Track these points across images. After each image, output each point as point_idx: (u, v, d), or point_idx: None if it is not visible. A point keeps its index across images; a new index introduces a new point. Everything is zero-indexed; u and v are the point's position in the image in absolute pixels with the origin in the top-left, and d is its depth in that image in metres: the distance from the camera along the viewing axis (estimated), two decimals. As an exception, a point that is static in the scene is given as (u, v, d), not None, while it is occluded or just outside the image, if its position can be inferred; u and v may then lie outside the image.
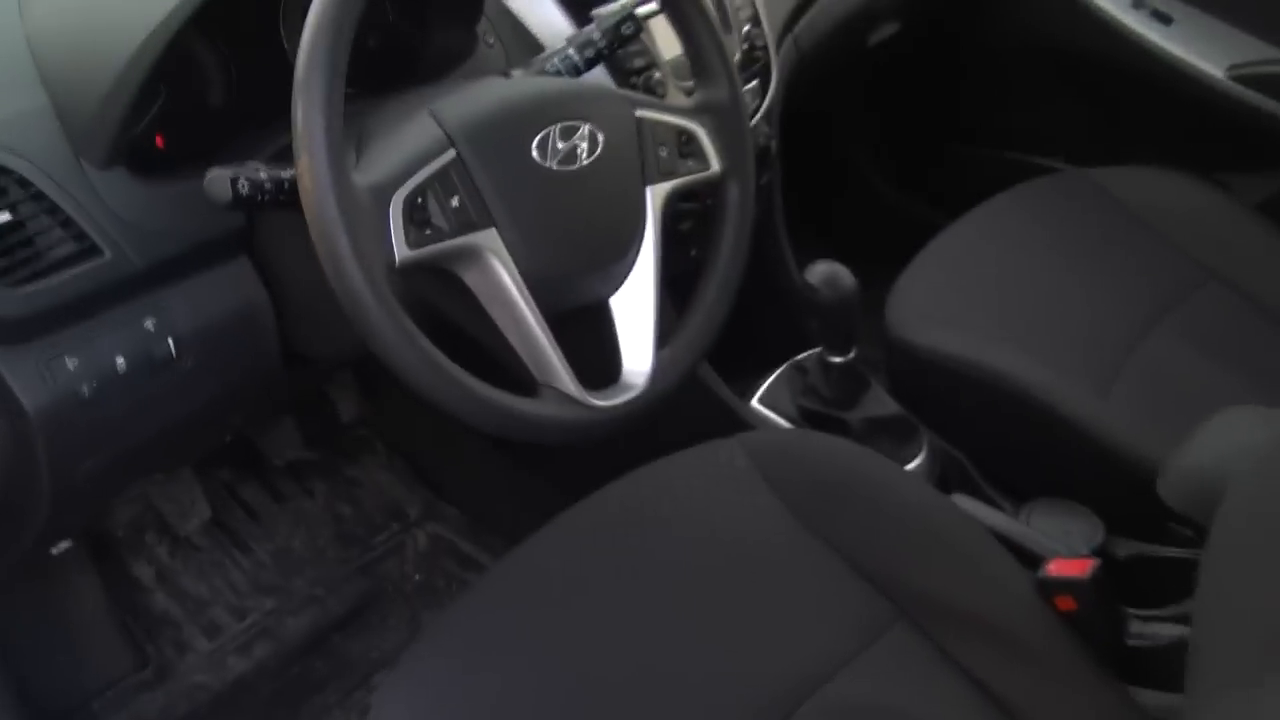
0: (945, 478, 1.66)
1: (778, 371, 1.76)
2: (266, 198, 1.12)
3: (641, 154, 1.23)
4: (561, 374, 1.14)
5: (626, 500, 1.31)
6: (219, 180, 1.10)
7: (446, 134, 1.11)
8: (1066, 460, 1.54)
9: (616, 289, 1.23)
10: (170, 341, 1.25)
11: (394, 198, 1.05)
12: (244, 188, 1.10)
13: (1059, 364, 1.57)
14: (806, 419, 1.68)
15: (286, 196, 1.11)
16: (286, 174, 1.12)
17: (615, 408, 1.18)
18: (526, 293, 1.12)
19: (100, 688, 1.81)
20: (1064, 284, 1.72)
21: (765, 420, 1.70)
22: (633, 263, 1.23)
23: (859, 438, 1.62)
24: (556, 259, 1.17)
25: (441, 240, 1.08)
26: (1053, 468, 1.58)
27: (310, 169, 1.01)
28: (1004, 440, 1.63)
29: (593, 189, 1.19)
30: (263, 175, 1.11)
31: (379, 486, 2.20)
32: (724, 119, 1.30)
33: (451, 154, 1.10)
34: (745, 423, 1.71)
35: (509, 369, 1.15)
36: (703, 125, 1.28)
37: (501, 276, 1.12)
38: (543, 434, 1.14)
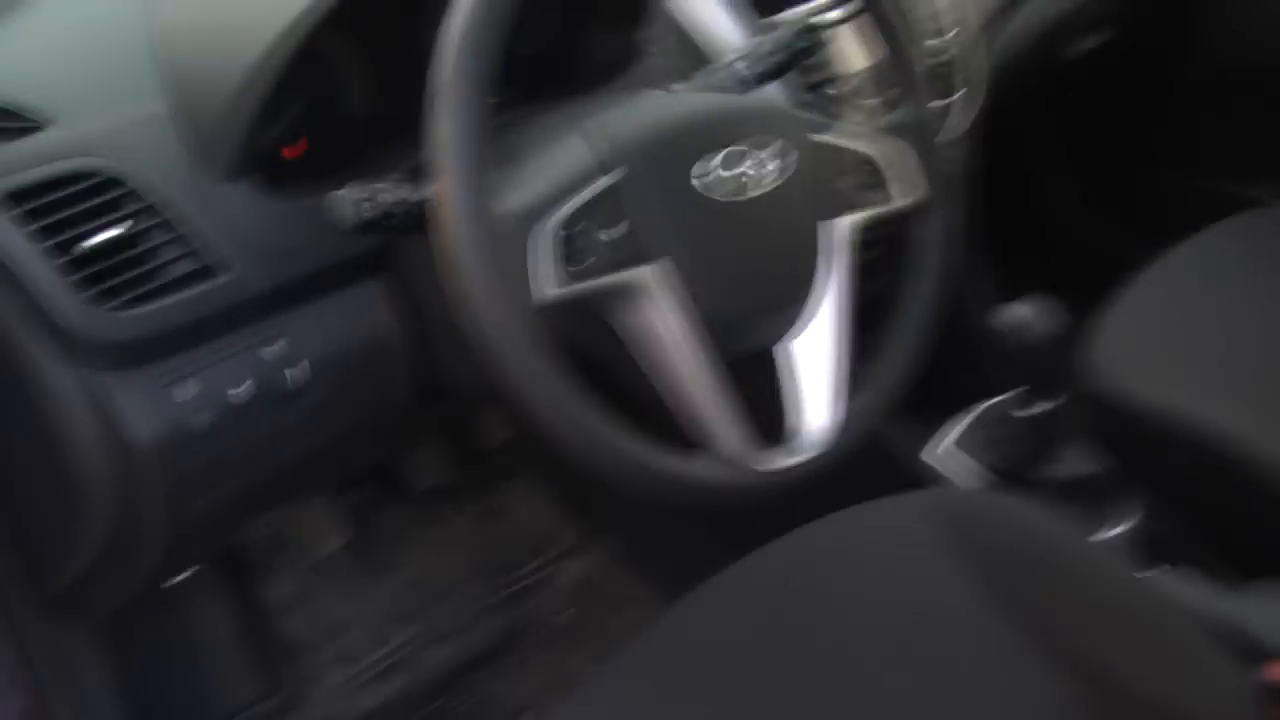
0: (1151, 549, 1.48)
1: (964, 418, 1.60)
2: (396, 223, 1.00)
3: (821, 184, 1.09)
4: (727, 431, 1.02)
5: (794, 563, 1.17)
6: (342, 203, 1.00)
7: (604, 155, 0.99)
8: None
9: (791, 333, 1.10)
10: (296, 371, 1.15)
11: (542, 227, 0.94)
12: (369, 212, 1.00)
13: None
14: (996, 477, 1.52)
15: (418, 221, 1.00)
16: (418, 196, 1.01)
17: (787, 471, 1.05)
18: (691, 338, 1.00)
19: (226, 716, 1.73)
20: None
21: (949, 475, 1.56)
22: (811, 305, 1.10)
23: (1053, 500, 1.46)
24: (725, 300, 1.04)
25: (594, 277, 0.96)
26: (1275, 539, 1.38)
27: (447, 192, 0.90)
28: (1222, 509, 1.45)
29: (765, 223, 1.06)
30: (390, 199, 1.00)
31: (526, 516, 2.09)
32: (918, 143, 1.16)
33: (609, 179, 0.98)
34: (922, 478, 1.57)
35: (664, 423, 1.02)
36: (892, 151, 1.14)
37: (662, 319, 0.99)
38: (704, 500, 1.03)
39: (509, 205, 0.94)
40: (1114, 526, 1.46)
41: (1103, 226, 2.38)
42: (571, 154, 1.00)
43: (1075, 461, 1.49)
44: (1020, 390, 1.45)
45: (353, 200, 1.00)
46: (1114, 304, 1.57)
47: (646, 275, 0.98)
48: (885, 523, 1.20)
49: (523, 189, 0.96)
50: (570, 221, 0.95)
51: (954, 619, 1.10)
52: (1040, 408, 1.44)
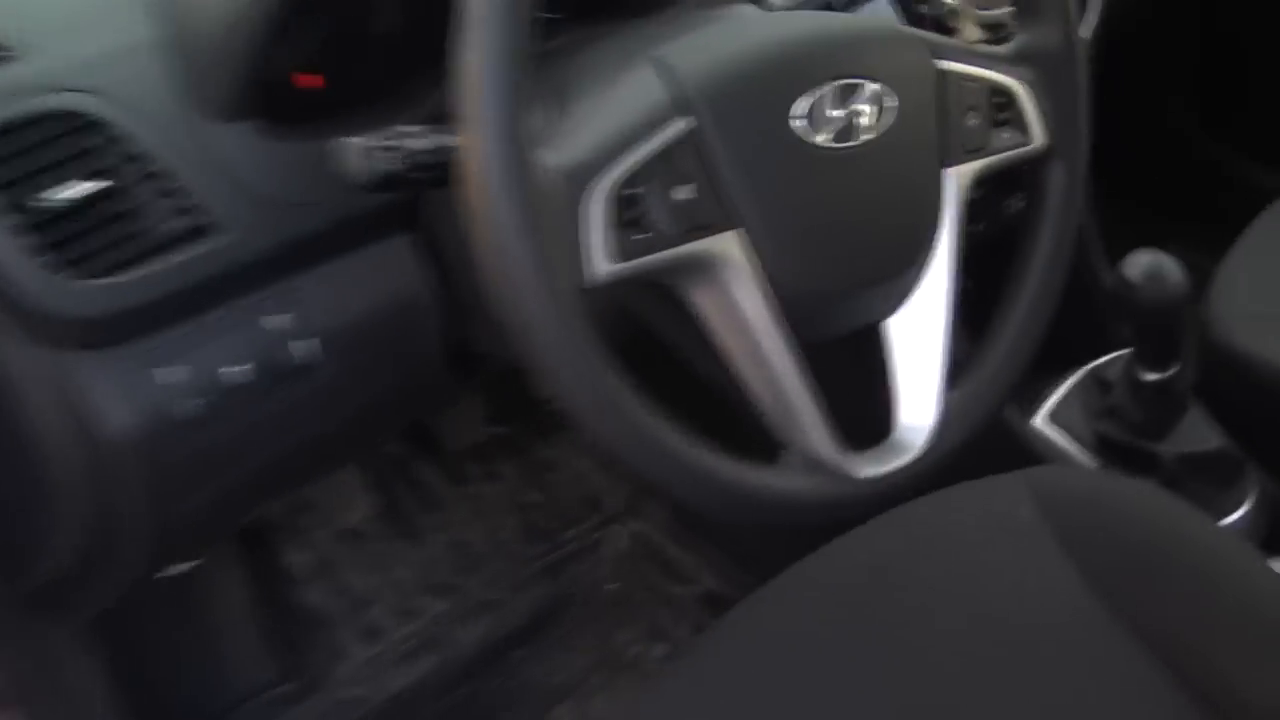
0: (1274, 537, 1.33)
1: (1070, 380, 1.44)
2: (417, 177, 0.83)
3: (944, 123, 0.91)
4: (816, 431, 0.85)
5: (881, 551, 1.04)
6: (351, 152, 0.82)
7: (678, 94, 0.80)
8: None
9: (895, 309, 0.92)
10: (305, 343, 0.99)
11: (596, 187, 0.76)
12: (384, 164, 0.82)
13: None
14: (1105, 450, 1.36)
15: (444, 175, 0.83)
16: (445, 144, 0.83)
17: (887, 478, 0.89)
18: (778, 319, 0.83)
19: (237, 700, 1.60)
20: None
21: (1054, 447, 1.40)
22: (921, 273, 0.92)
23: (1172, 478, 1.31)
24: (823, 272, 0.87)
25: (662, 248, 0.78)
26: None
27: (477, 144, 0.72)
28: None
29: (876, 174, 0.88)
30: (416, 145, 0.83)
31: (575, 472, 1.94)
32: (1055, 71, 0.97)
33: (684, 124, 0.79)
34: (1027, 447, 1.40)
35: (741, 419, 0.87)
36: (1025, 80, 0.95)
37: (744, 297, 0.82)
38: (787, 515, 0.87)
39: (556, 158, 0.76)
40: (1236, 508, 1.32)
41: (1229, 155, 2.16)
42: (638, 90, 0.81)
43: (1196, 434, 1.33)
44: (1132, 351, 1.29)
45: (364, 149, 0.82)
46: (1237, 247, 1.41)
47: (729, 243, 0.81)
48: (983, 506, 1.07)
49: (574, 137, 0.78)
50: (634, 178, 0.77)
51: (1061, 622, 0.99)
52: (1157, 373, 1.28)
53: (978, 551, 1.04)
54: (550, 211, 0.74)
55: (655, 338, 0.96)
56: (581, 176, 0.75)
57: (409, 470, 1.89)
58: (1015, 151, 0.96)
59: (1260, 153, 2.10)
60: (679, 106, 0.80)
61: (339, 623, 1.72)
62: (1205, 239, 1.46)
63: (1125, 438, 1.34)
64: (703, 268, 0.81)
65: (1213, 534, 1.10)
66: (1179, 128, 2.21)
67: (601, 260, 0.75)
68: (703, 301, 0.83)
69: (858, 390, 0.93)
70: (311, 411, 1.03)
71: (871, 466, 0.88)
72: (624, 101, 0.80)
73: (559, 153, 0.76)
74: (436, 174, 0.83)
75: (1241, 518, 1.31)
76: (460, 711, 1.65)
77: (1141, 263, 1.20)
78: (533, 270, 0.72)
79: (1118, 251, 1.23)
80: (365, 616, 1.73)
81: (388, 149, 0.82)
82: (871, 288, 0.90)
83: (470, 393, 1.87)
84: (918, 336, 0.93)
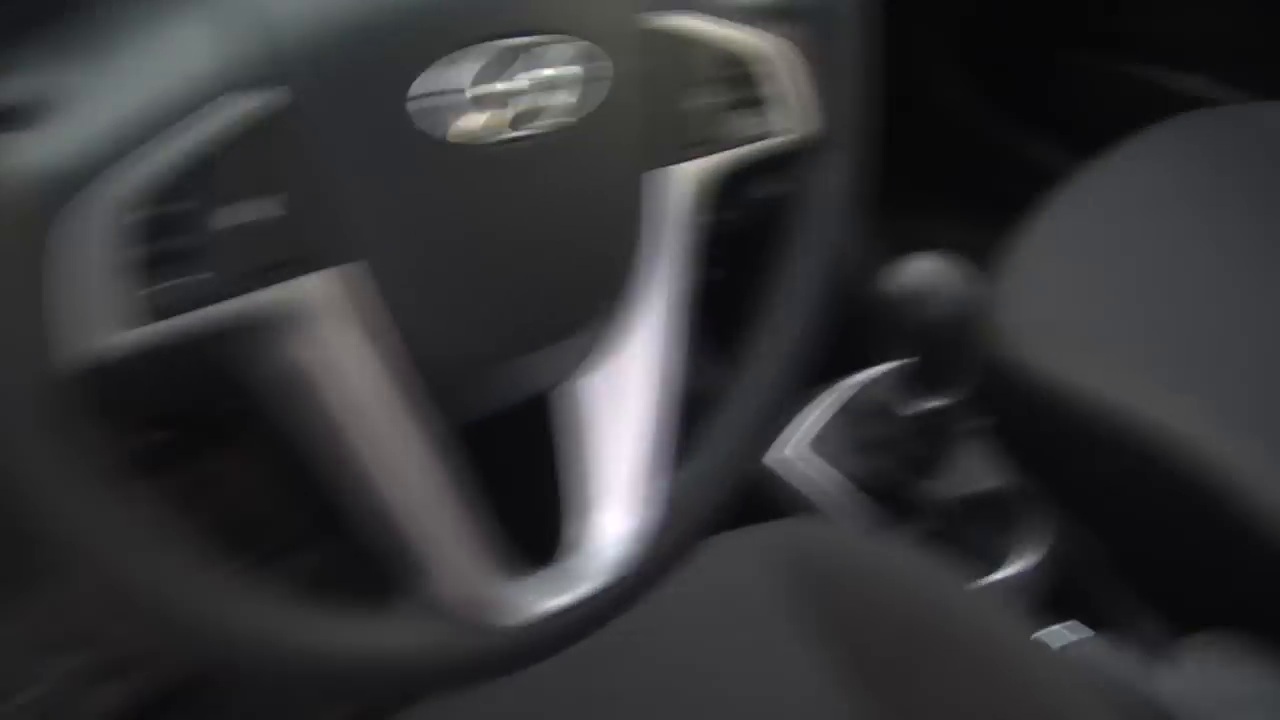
0: (1061, 588, 1.25)
1: (822, 402, 1.31)
2: None
3: (659, 106, 0.67)
4: (455, 555, 0.62)
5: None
6: None
7: (250, 57, 0.53)
8: (1251, 570, 1.12)
9: (585, 369, 0.69)
10: None
11: (94, 203, 0.48)
12: None
13: (1243, 416, 1.13)
14: (866, 489, 1.26)
15: None
16: None
17: (552, 622, 0.66)
18: (407, 396, 0.58)
19: None
20: (1254, 285, 1.25)
21: (800, 487, 1.28)
22: (620, 322, 0.69)
23: (945, 524, 1.23)
24: (477, 329, 0.63)
25: (217, 298, 0.52)
26: (1228, 581, 1.16)
27: None
28: (1154, 533, 1.18)
29: (559, 180, 0.63)
30: None
31: (245, 487, 1.68)
32: (822, 32, 0.75)
33: (256, 103, 0.52)
34: (763, 485, 1.28)
35: (347, 536, 0.63)
36: (779, 47, 0.72)
37: (351, 367, 0.57)
38: (397, 687, 0.66)
39: (36, 151, 0.48)
40: (1017, 562, 1.25)
41: (1006, 126, 2.05)
42: (180, 50, 0.53)
43: (972, 470, 1.27)
44: (902, 367, 1.20)
45: None
46: (1021, 242, 1.30)
47: (314, 293, 0.55)
48: (709, 567, 0.94)
49: (91, 112, 0.50)
50: (174, 188, 0.50)
51: (792, 705, 0.94)
52: (934, 400, 1.19)
53: (701, 620, 0.96)
54: (19, 243, 0.47)
55: (226, 404, 0.71)
56: (80, 179, 0.48)
57: None
58: (764, 144, 0.73)
59: (1030, 124, 2.02)
60: (250, 77, 0.53)
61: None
62: (976, 225, 1.35)
63: (891, 475, 1.25)
64: (285, 325, 0.55)
65: (987, 616, 1.02)
66: (945, 97, 2.11)
67: (105, 325, 0.49)
68: (287, 371, 0.56)
69: (527, 486, 0.74)
70: None
71: (536, 601, 0.66)
72: (154, 61, 0.52)
73: (49, 141, 0.48)
74: None
75: (1026, 570, 1.24)
76: None
77: (922, 271, 1.09)
78: None
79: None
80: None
81: None
82: (548, 346, 0.67)
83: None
84: (616, 404, 0.70)
